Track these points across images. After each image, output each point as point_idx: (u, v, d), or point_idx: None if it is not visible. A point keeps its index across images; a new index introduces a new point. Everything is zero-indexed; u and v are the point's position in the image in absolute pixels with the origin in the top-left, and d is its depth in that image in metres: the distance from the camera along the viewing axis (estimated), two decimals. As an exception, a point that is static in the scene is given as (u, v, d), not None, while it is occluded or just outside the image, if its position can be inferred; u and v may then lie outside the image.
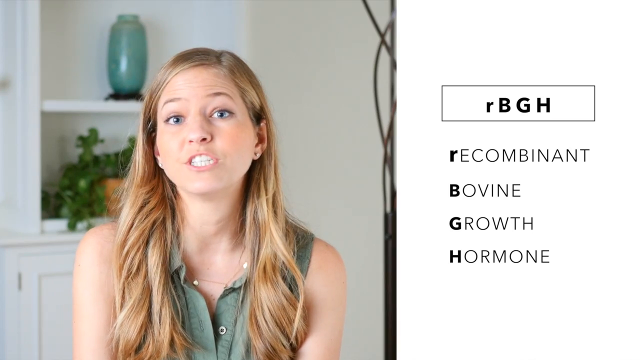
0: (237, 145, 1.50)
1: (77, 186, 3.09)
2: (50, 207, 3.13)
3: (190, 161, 1.49)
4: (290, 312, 1.55)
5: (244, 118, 1.53)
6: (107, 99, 3.23)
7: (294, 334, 1.56)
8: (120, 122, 3.25)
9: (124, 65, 3.19)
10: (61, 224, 3.03)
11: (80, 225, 3.04)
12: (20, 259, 2.86)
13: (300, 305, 1.56)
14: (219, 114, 1.50)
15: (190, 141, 1.48)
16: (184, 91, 1.50)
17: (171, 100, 1.51)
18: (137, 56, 3.20)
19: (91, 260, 1.55)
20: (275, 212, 1.56)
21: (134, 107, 3.10)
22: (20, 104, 2.97)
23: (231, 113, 1.51)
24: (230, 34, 3.33)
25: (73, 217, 3.03)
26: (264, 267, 1.55)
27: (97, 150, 3.22)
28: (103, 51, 3.26)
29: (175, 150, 1.49)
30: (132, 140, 1.59)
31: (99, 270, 1.54)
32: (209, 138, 1.48)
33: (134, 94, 3.19)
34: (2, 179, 3.08)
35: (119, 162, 1.66)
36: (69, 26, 3.22)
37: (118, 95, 3.21)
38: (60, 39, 3.20)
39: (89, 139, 3.13)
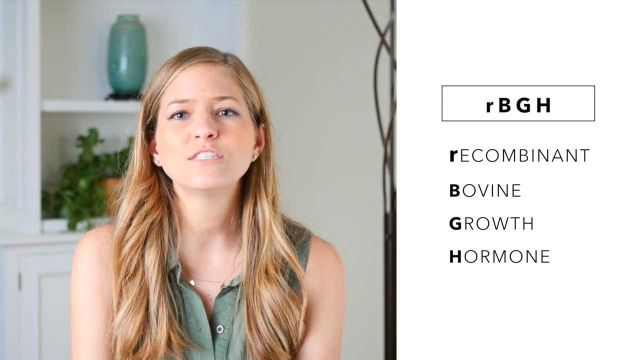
0: (241, 144, 1.51)
1: (77, 186, 3.08)
2: (50, 207, 3.13)
3: (194, 157, 1.49)
4: (295, 311, 1.55)
5: (247, 118, 1.54)
6: (107, 99, 3.23)
7: (299, 335, 1.56)
8: (120, 122, 3.25)
9: (124, 65, 3.19)
10: (61, 224, 3.03)
11: (80, 225, 3.04)
12: (20, 259, 2.86)
13: (304, 302, 1.56)
14: (224, 113, 1.51)
15: (197, 137, 1.49)
16: (191, 91, 1.51)
17: (177, 102, 1.51)
18: (137, 56, 3.20)
19: (88, 263, 1.55)
20: (275, 214, 1.57)
21: (134, 107, 3.09)
22: (20, 104, 2.97)
23: (236, 113, 1.52)
24: (230, 34, 3.33)
25: (73, 217, 3.03)
26: (266, 270, 1.55)
27: (97, 150, 3.22)
28: (103, 51, 3.26)
29: (179, 145, 1.50)
30: (132, 140, 1.60)
31: (97, 273, 1.55)
32: (215, 135, 1.49)
33: (134, 94, 3.18)
34: (2, 179, 3.07)
35: (117, 162, 1.66)
36: (69, 26, 3.22)
37: (118, 95, 3.20)
38: (60, 39, 3.20)
39: (89, 139, 3.13)
